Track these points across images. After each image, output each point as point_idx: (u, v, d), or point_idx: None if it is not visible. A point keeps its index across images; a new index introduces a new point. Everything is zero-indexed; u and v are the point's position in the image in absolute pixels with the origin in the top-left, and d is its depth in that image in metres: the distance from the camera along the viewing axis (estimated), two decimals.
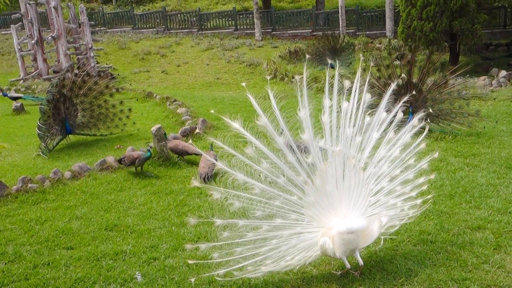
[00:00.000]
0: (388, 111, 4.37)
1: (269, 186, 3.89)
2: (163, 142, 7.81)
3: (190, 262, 4.31)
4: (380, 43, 20.06)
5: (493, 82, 13.29)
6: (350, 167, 3.94)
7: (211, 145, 7.41)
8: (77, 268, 4.58)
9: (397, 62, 8.81)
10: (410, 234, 4.80)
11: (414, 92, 6.91)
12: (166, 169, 7.57)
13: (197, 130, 9.24)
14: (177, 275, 4.33)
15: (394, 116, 4.38)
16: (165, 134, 7.96)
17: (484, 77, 13.91)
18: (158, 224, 5.53)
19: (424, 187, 4.57)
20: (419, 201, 4.52)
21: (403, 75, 8.01)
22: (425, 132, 4.56)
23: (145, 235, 5.25)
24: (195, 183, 4.00)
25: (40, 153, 8.86)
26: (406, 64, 8.68)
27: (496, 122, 9.12)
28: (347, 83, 4.10)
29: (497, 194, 5.68)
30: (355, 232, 3.89)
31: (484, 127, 8.56)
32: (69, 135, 9.74)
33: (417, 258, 4.36)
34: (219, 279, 4.12)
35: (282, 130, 3.81)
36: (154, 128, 7.82)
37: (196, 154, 7.80)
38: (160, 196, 6.48)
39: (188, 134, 9.43)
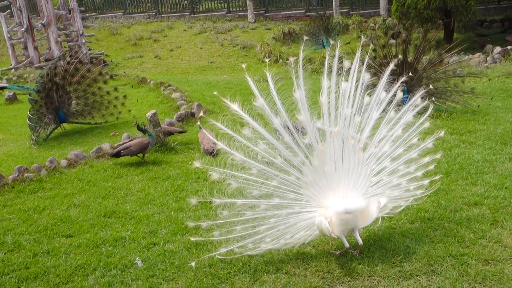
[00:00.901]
0: (385, 91, 4.33)
1: (266, 166, 3.94)
2: (159, 128, 7.78)
3: (192, 239, 4.45)
4: (374, 22, 19.89)
5: (488, 58, 13.23)
6: (349, 147, 3.93)
7: (199, 125, 7.68)
8: (77, 256, 4.60)
9: (392, 41, 8.73)
10: (408, 212, 4.83)
11: (410, 74, 6.91)
12: (163, 155, 7.55)
13: (201, 114, 9.20)
14: (177, 260, 4.35)
15: (394, 95, 4.33)
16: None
17: (478, 54, 13.85)
18: (156, 209, 5.54)
19: (431, 167, 4.54)
20: (426, 181, 4.49)
21: (399, 56, 7.96)
22: (429, 111, 4.48)
23: (143, 221, 5.26)
24: (197, 164, 4.03)
25: (32, 144, 8.79)
26: (401, 43, 8.62)
27: (492, 98, 9.13)
28: (346, 63, 4.06)
29: (493, 170, 5.71)
30: (353, 212, 3.90)
31: (479, 106, 8.56)
32: (63, 124, 9.67)
33: (415, 235, 4.39)
34: (220, 257, 4.21)
35: (278, 111, 3.84)
36: (149, 114, 7.77)
37: (180, 132, 8.05)
38: (158, 181, 6.48)
39: (184, 118, 9.39)
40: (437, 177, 4.75)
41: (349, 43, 17.33)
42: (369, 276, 3.87)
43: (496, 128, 7.27)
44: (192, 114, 9.67)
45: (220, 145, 3.93)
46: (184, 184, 6.25)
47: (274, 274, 4.01)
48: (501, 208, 4.77)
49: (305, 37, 4.66)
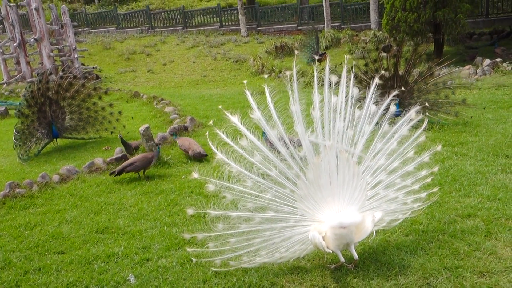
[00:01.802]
0: (376, 103, 4.33)
1: (261, 178, 3.98)
2: (152, 142, 7.75)
3: (188, 249, 4.43)
4: (365, 36, 20.12)
5: (478, 70, 13.41)
6: (343, 161, 3.93)
7: (175, 134, 7.99)
8: (69, 272, 4.53)
9: (383, 55, 8.83)
10: (402, 225, 4.82)
11: (403, 88, 6.99)
12: (156, 169, 7.51)
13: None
14: (171, 275, 4.30)
15: (386, 109, 4.33)
16: (175, 134, 8.06)
17: (468, 66, 14.04)
18: (149, 224, 5.49)
19: (428, 180, 4.53)
20: (423, 194, 4.49)
21: (383, 71, 8.01)
22: (424, 125, 4.50)
23: (136, 236, 5.20)
24: (195, 175, 4.07)
25: (19, 161, 8.68)
26: (392, 57, 8.71)
27: (484, 108, 9.23)
28: (333, 78, 4.06)
29: (486, 182, 5.74)
30: (348, 227, 3.86)
31: (472, 117, 8.64)
32: (57, 139, 9.60)
33: (410, 248, 4.38)
34: (215, 269, 4.21)
35: (275, 123, 3.90)
36: (142, 128, 7.74)
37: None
38: (151, 196, 6.43)
39: (176, 132, 9.36)
40: (435, 190, 4.74)
41: (339, 64, 17.48)
42: None
43: (487, 140, 7.33)
44: (185, 128, 9.65)
45: (219, 155, 3.96)
46: (177, 199, 6.21)
47: None
48: (495, 219, 4.78)
49: (296, 51, 4.74)
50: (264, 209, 4.05)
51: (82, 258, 4.77)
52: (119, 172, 7.05)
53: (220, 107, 4.66)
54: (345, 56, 4.47)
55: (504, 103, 9.75)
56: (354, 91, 4.19)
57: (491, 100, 10.14)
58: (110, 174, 7.17)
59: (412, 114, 4.37)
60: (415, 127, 4.41)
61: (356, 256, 3.97)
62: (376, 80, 4.39)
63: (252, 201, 4.03)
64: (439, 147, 4.53)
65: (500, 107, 9.48)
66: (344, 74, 4.13)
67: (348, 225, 3.85)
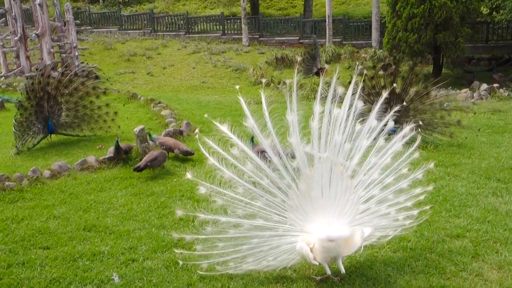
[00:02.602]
0: (376, 119, 4.29)
1: (253, 186, 3.97)
2: (146, 143, 7.73)
3: (176, 251, 4.45)
4: (365, 53, 20.29)
5: (475, 94, 13.54)
6: (337, 174, 3.91)
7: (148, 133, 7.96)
8: (53, 268, 4.48)
9: (381, 73, 8.90)
10: (390, 241, 4.80)
11: (404, 103, 7.02)
12: (148, 171, 7.46)
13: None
14: (155, 277, 4.27)
15: (385, 124, 4.31)
16: (150, 135, 7.97)
17: (466, 89, 14.17)
18: (137, 225, 5.45)
19: (421, 198, 4.49)
20: (415, 211, 4.47)
21: (395, 84, 8.05)
22: (418, 142, 4.47)
23: (124, 236, 5.16)
24: (188, 175, 4.06)
25: (13, 154, 8.63)
26: (389, 75, 8.78)
27: (479, 129, 9.29)
28: (340, 90, 4.00)
29: (476, 204, 5.76)
30: (336, 241, 3.82)
31: (466, 138, 8.71)
32: (51, 135, 9.56)
33: (397, 264, 4.38)
34: (202, 273, 4.20)
35: (269, 132, 3.88)
36: (137, 129, 7.73)
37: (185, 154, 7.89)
38: (141, 197, 6.40)
39: (171, 136, 9.34)
40: (427, 207, 4.72)
41: (338, 79, 17.64)
42: None
43: (480, 163, 7.37)
44: (181, 132, 9.64)
45: (211, 160, 3.98)
46: (167, 201, 6.18)
47: None
48: (483, 241, 4.79)
49: (299, 58, 4.76)
50: (253, 217, 4.04)
51: (67, 255, 4.73)
52: (144, 167, 7.06)
53: (206, 115, 4.63)
54: (357, 63, 4.51)
55: (498, 128, 9.83)
56: (359, 104, 4.16)
57: (486, 124, 10.22)
58: (134, 170, 7.10)
59: (407, 130, 4.35)
60: (409, 143, 4.40)
61: (343, 270, 3.94)
62: (384, 95, 4.36)
63: (242, 208, 4.02)
64: (431, 165, 4.53)
65: (495, 132, 9.55)
66: (352, 83, 4.11)
67: (336, 238, 3.82)
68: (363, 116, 4.21)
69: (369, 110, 4.29)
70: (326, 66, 17.88)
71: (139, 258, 4.63)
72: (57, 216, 5.78)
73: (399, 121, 8.09)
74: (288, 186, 3.93)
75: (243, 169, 3.95)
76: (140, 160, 7.67)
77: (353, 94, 4.09)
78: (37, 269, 4.47)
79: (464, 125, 8.79)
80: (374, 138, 4.20)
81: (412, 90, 8.83)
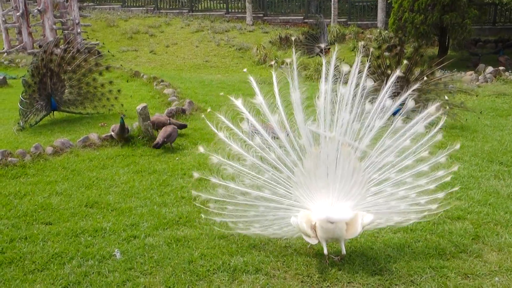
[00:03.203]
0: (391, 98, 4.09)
1: (260, 160, 4.08)
2: (148, 121, 7.71)
3: (197, 204, 4.59)
4: (371, 34, 20.04)
5: (480, 77, 13.41)
6: (345, 154, 3.83)
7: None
8: (55, 243, 4.52)
9: (386, 54, 8.81)
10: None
11: (425, 78, 6.96)
12: (150, 149, 7.47)
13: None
14: (157, 254, 4.30)
15: (402, 104, 4.07)
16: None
17: (471, 72, 14.03)
18: (139, 202, 5.48)
19: (447, 179, 4.26)
20: (440, 194, 4.21)
21: (405, 61, 7.92)
22: (442, 123, 4.17)
23: (125, 213, 5.19)
24: (201, 149, 4.37)
25: (15, 130, 8.63)
26: (394, 55, 8.68)
27: (481, 112, 9.24)
28: (345, 68, 3.93)
29: (478, 186, 5.75)
30: (336, 223, 3.79)
31: (466, 120, 8.67)
32: (54, 112, 9.55)
33: (397, 245, 4.39)
34: (217, 228, 4.58)
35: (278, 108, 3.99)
36: (139, 107, 7.70)
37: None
38: (143, 175, 6.41)
39: (174, 114, 9.33)
40: (455, 189, 4.51)
41: (343, 60, 17.49)
42: (348, 283, 3.85)
43: (483, 146, 7.33)
44: (183, 111, 9.61)
45: (220, 135, 4.15)
46: (169, 179, 6.20)
47: (253, 275, 3.98)
48: (484, 224, 4.80)
49: (293, 38, 4.69)
50: (260, 188, 4.14)
51: (69, 231, 4.76)
52: (162, 144, 7.25)
53: (221, 94, 4.74)
54: (360, 43, 4.43)
55: (503, 111, 9.76)
56: (367, 83, 4.01)
57: (491, 107, 10.14)
58: (153, 147, 7.31)
59: (432, 109, 4.07)
60: (432, 124, 4.15)
61: (343, 251, 3.95)
62: (397, 73, 4.18)
63: (250, 179, 4.15)
64: (457, 146, 4.27)
65: (499, 115, 9.49)
66: (357, 61, 3.96)
67: (336, 220, 3.78)
68: (371, 95, 4.06)
69: (375, 89, 4.15)
70: (329, 46, 17.76)
71: (141, 235, 4.66)
72: (60, 192, 5.81)
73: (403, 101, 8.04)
74: (294, 163, 3.96)
75: (251, 143, 4.09)
76: (144, 138, 7.68)
77: (359, 72, 3.97)
78: (40, 243, 4.51)
79: (467, 107, 8.73)
80: (388, 119, 4.01)
81: (417, 70, 8.75)
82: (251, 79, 4.05)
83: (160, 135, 7.33)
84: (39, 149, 7.08)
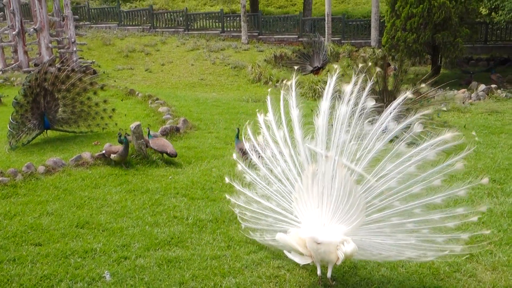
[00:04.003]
0: (372, 121, 3.87)
1: (269, 172, 4.26)
2: (142, 140, 7.69)
3: (227, 196, 4.85)
4: (364, 52, 20.27)
5: (473, 95, 13.53)
6: (341, 175, 3.69)
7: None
8: (44, 265, 4.44)
9: (378, 70, 8.89)
10: None
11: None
12: (144, 167, 7.44)
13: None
14: (147, 275, 4.24)
15: (408, 127, 3.79)
16: (148, 133, 7.90)
17: (463, 89, 14.16)
18: (131, 222, 5.42)
19: (473, 219, 3.91)
20: (464, 235, 3.84)
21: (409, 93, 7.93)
22: (466, 152, 3.75)
23: (117, 233, 5.13)
24: (234, 156, 4.91)
25: (6, 149, 8.56)
26: (380, 72, 8.77)
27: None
28: (347, 88, 3.84)
29: (471, 205, 5.73)
30: (322, 244, 3.66)
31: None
32: (47, 131, 9.51)
33: (390, 264, 4.35)
34: (242, 232, 4.81)
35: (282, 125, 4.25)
36: (133, 126, 7.69)
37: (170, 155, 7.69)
38: (136, 194, 6.36)
39: (168, 133, 9.32)
40: (485, 232, 4.23)
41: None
42: None
43: (476, 163, 7.35)
44: (177, 129, 9.60)
45: (247, 146, 4.56)
46: (162, 199, 6.15)
47: None
48: (477, 242, 4.76)
49: (295, 67, 4.83)
50: (269, 198, 4.24)
51: (59, 252, 4.69)
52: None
53: (257, 111, 4.71)
54: (358, 64, 4.47)
55: (495, 129, 9.81)
56: (368, 103, 3.86)
57: (483, 125, 10.20)
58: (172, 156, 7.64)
59: (447, 137, 3.71)
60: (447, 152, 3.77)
61: (328, 275, 3.81)
62: (407, 94, 3.93)
63: (261, 188, 4.30)
64: (485, 180, 3.85)
65: (491, 132, 9.54)
66: (355, 81, 3.91)
67: (322, 242, 3.67)
68: (371, 115, 3.88)
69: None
70: (321, 66, 18.04)
71: (132, 256, 4.60)
72: (50, 212, 5.74)
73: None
74: (295, 178, 4.02)
75: (262, 154, 4.34)
76: (137, 156, 7.64)
77: (358, 92, 3.88)
78: (28, 265, 4.44)
79: (450, 125, 8.75)
80: (391, 141, 3.79)
81: (404, 87, 8.81)
82: (268, 98, 4.38)
83: (160, 147, 7.71)
84: (31, 168, 7.03)
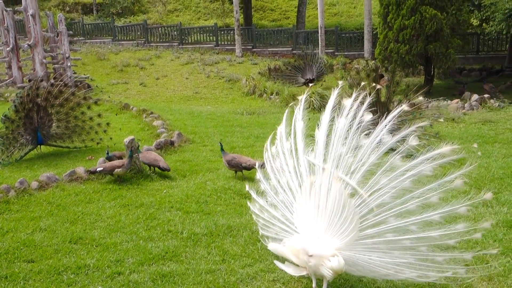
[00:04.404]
0: (368, 134, 3.86)
1: (277, 182, 4.28)
2: (136, 154, 7.67)
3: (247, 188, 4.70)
4: (358, 64, 20.43)
5: (466, 105, 13.63)
6: (336, 189, 3.64)
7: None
8: (36, 282, 4.38)
9: (373, 83, 8.98)
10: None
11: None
12: (138, 181, 7.40)
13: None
14: None
15: (403, 139, 3.73)
16: (138, 147, 7.85)
17: (457, 100, 14.27)
18: (125, 237, 5.37)
19: (476, 236, 3.80)
20: (468, 255, 3.74)
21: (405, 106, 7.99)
22: (467, 168, 3.70)
23: (110, 248, 5.08)
24: (258, 163, 4.94)
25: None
26: (372, 82, 8.84)
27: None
28: (347, 102, 3.87)
29: (472, 220, 5.71)
30: (313, 257, 3.64)
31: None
32: (41, 146, 9.47)
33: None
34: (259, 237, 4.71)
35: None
36: (127, 140, 7.66)
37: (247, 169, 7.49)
38: (130, 209, 6.31)
39: (163, 147, 9.30)
40: (493, 251, 4.05)
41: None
42: None
43: (471, 173, 7.31)
44: (172, 143, 9.59)
45: (265, 156, 4.53)
46: (156, 213, 6.11)
47: None
48: (473, 253, 4.75)
49: (301, 98, 4.70)
50: (276, 208, 4.23)
51: (52, 268, 4.63)
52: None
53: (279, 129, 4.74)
54: (354, 76, 4.50)
55: (489, 138, 9.87)
56: (366, 117, 3.84)
57: (477, 134, 10.26)
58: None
59: (446, 150, 3.65)
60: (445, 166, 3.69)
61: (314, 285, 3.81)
62: (403, 107, 3.94)
63: (270, 197, 4.30)
64: (488, 195, 3.74)
65: (485, 142, 9.59)
66: (354, 94, 3.97)
67: (313, 255, 3.64)
68: (368, 128, 3.87)
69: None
70: (313, 78, 18.29)
71: (125, 271, 4.54)
72: (44, 228, 5.68)
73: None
74: (296, 189, 4.01)
75: (272, 165, 4.35)
76: (132, 170, 7.61)
77: (356, 103, 3.92)
78: (21, 282, 4.38)
79: (441, 137, 8.79)
80: (385, 154, 3.73)
81: (397, 98, 8.89)
82: (286, 111, 4.50)
83: (157, 161, 7.69)
84: (24, 184, 6.98)
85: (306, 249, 3.68)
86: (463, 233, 3.67)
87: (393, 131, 3.81)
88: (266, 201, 4.35)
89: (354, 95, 4.00)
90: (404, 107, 3.97)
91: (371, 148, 3.74)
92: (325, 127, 3.91)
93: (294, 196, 4.03)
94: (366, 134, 3.84)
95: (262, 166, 4.66)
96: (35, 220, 5.92)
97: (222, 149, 7.67)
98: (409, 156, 3.70)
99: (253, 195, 4.49)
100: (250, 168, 7.29)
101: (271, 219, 4.26)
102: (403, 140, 3.79)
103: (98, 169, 7.40)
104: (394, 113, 3.83)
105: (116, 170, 7.28)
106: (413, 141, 3.70)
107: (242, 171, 7.51)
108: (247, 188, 4.72)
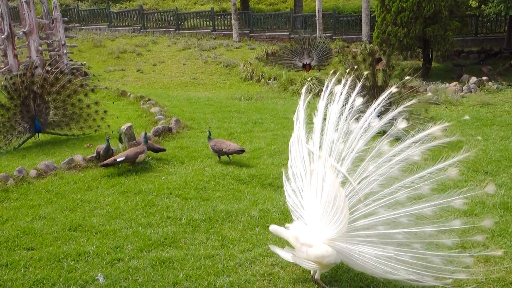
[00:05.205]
0: (378, 116, 3.74)
1: (291, 169, 4.21)
2: (134, 141, 7.66)
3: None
4: (356, 48, 20.29)
5: (464, 87, 13.58)
6: (329, 177, 3.58)
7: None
8: (37, 270, 4.42)
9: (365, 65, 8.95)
10: None
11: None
12: (136, 169, 7.41)
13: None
14: (141, 277, 4.22)
15: (391, 122, 3.61)
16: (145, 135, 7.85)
17: (455, 82, 14.22)
18: (124, 224, 5.39)
19: (478, 238, 3.61)
20: (469, 259, 3.53)
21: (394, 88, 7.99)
22: (463, 155, 3.45)
23: (110, 235, 5.11)
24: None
25: None
26: (369, 66, 8.78)
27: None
28: (338, 88, 3.90)
29: (472, 216, 5.73)
30: (302, 245, 3.70)
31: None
32: (39, 134, 9.45)
33: None
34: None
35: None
36: (124, 127, 7.66)
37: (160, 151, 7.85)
38: (129, 196, 6.33)
39: (160, 133, 9.29)
40: (497, 253, 3.63)
41: (333, 73, 17.69)
42: None
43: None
44: (170, 129, 9.57)
45: (290, 141, 4.25)
46: (155, 199, 6.13)
47: None
48: (470, 235, 4.78)
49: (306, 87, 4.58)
50: (295, 193, 4.13)
51: (52, 255, 4.66)
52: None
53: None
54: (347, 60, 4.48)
55: (487, 121, 9.87)
56: (356, 101, 3.82)
57: (475, 117, 10.25)
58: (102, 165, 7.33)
59: (436, 130, 3.40)
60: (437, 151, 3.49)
61: (316, 276, 3.86)
62: (392, 89, 3.80)
63: (291, 183, 4.15)
64: (490, 188, 3.46)
65: (483, 125, 9.59)
66: (344, 80, 3.99)
67: (303, 243, 3.70)
68: (359, 112, 3.80)
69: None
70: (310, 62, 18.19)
71: (125, 258, 4.58)
72: (43, 216, 5.70)
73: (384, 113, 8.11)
74: (304, 177, 3.98)
75: (289, 154, 4.22)
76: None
77: (349, 88, 3.94)
78: (21, 270, 4.41)
79: (436, 122, 8.77)
80: (373, 138, 3.65)
81: (394, 81, 8.85)
82: (301, 103, 4.22)
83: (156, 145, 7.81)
84: (23, 173, 6.99)
85: (297, 236, 3.74)
86: (460, 231, 3.49)
87: (383, 114, 3.72)
88: (290, 187, 4.24)
89: (343, 81, 3.99)
90: (393, 89, 3.79)
91: (359, 133, 3.64)
92: (321, 114, 3.92)
93: (303, 183, 4.00)
94: (356, 119, 3.72)
95: (242, 151, 4.58)
96: (34, 208, 5.95)
97: (209, 137, 7.69)
98: (397, 140, 3.57)
99: (284, 178, 4.30)
100: (231, 153, 7.41)
101: (293, 205, 4.16)
102: (392, 123, 3.66)
103: (118, 159, 7.09)
104: (383, 95, 3.69)
105: (139, 156, 7.23)
106: (401, 124, 3.54)
107: (228, 156, 7.55)
108: (284, 171, 4.41)
